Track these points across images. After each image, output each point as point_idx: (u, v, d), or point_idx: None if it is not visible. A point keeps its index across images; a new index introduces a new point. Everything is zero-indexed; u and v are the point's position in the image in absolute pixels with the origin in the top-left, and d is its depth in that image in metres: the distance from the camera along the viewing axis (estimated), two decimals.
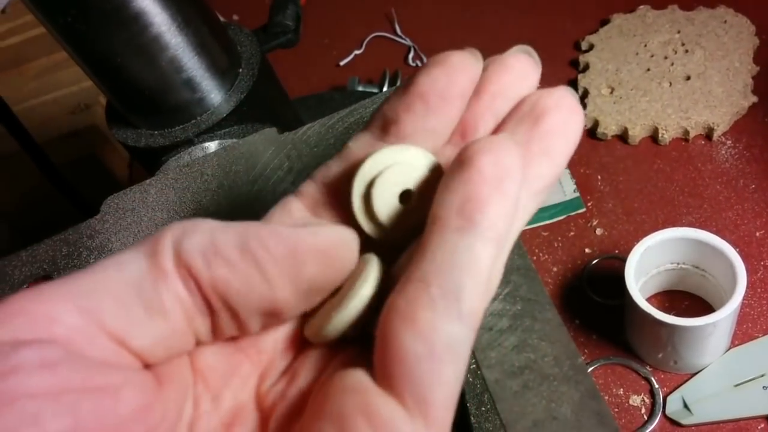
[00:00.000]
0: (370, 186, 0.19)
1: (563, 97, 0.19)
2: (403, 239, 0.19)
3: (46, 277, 0.34)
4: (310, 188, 0.21)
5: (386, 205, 0.19)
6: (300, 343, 0.20)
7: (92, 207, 0.59)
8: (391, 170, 0.19)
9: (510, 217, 0.17)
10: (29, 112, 0.71)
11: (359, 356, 0.18)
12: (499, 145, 0.17)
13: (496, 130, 0.20)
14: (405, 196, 0.19)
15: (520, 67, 0.20)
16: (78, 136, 0.69)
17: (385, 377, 0.16)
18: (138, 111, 0.37)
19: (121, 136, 0.38)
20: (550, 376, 0.25)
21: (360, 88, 0.65)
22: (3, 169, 0.69)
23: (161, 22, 0.34)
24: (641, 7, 0.68)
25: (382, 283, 0.19)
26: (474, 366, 0.27)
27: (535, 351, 0.26)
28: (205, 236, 0.17)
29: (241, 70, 0.39)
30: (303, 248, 0.17)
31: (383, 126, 0.20)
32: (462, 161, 0.17)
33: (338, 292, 0.19)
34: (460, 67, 0.19)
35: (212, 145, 0.37)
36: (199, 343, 0.18)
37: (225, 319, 0.18)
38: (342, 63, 0.74)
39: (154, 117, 0.37)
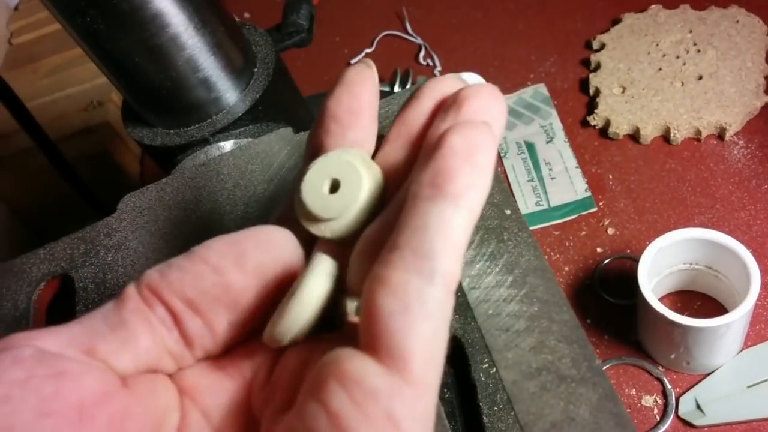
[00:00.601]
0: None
1: (482, 86, 0.20)
2: (345, 230, 0.20)
3: (64, 275, 0.34)
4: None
5: (315, 194, 0.20)
6: (278, 358, 0.21)
7: (104, 203, 0.59)
8: (316, 165, 0.20)
9: (484, 188, 0.17)
10: (42, 109, 0.71)
11: (340, 342, 0.19)
12: (469, 125, 0.17)
13: (426, 126, 0.21)
14: (334, 186, 0.20)
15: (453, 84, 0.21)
16: (90, 132, 0.69)
17: (366, 342, 0.16)
18: (154, 110, 0.38)
19: (137, 135, 0.38)
20: (568, 378, 0.25)
21: None
22: (16, 164, 0.69)
23: (178, 22, 0.34)
24: (653, 6, 0.67)
25: (337, 276, 0.19)
26: (487, 365, 0.28)
27: (553, 352, 0.26)
28: (161, 264, 0.20)
29: (256, 69, 0.39)
30: (241, 238, 0.19)
31: (314, 154, 0.21)
32: (435, 143, 0.18)
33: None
34: (358, 81, 0.21)
35: (228, 145, 0.37)
36: (180, 366, 0.20)
37: (191, 323, 0.19)
38: (353, 61, 0.74)
39: (170, 116, 0.37)
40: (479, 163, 0.17)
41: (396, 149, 0.21)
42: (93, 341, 0.18)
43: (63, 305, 0.34)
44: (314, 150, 0.22)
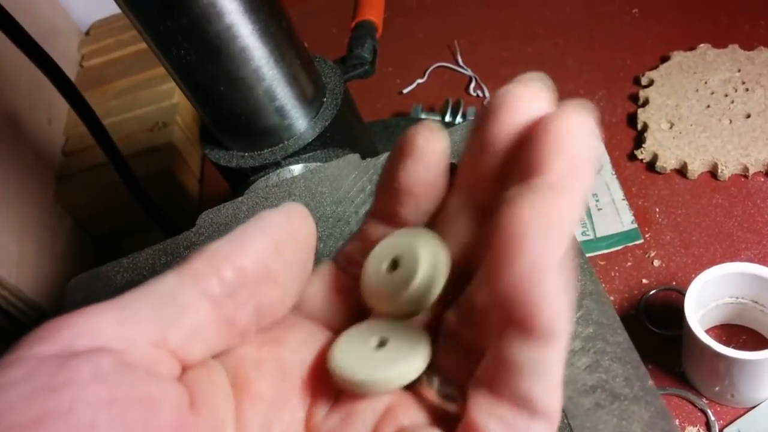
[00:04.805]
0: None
1: (572, 123, 0.16)
2: (405, 307, 0.20)
3: None
4: (328, 267, 0.22)
5: (374, 271, 0.20)
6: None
7: (166, 219, 0.62)
8: (382, 244, 0.20)
9: (570, 320, 0.16)
10: (111, 128, 0.75)
11: (422, 409, 0.19)
12: (554, 239, 0.15)
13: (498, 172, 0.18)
14: (394, 264, 0.20)
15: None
16: (154, 152, 0.73)
17: None
18: (232, 134, 0.41)
19: (213, 156, 0.41)
20: (621, 396, 0.26)
21: (423, 116, 0.67)
22: (84, 180, 0.74)
23: (261, 56, 0.37)
24: (701, 45, 0.69)
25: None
26: None
27: (607, 372, 0.27)
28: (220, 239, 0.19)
29: (325, 99, 0.41)
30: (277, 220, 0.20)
31: (386, 217, 0.21)
32: (509, 249, 0.15)
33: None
34: (428, 150, 0.19)
35: (298, 168, 0.40)
36: (242, 337, 0.19)
37: (269, 293, 0.19)
38: (405, 91, 0.77)
39: (246, 140, 0.40)
40: (565, 294, 0.15)
41: (463, 214, 0.19)
42: (162, 330, 0.17)
43: None
44: (387, 214, 0.21)
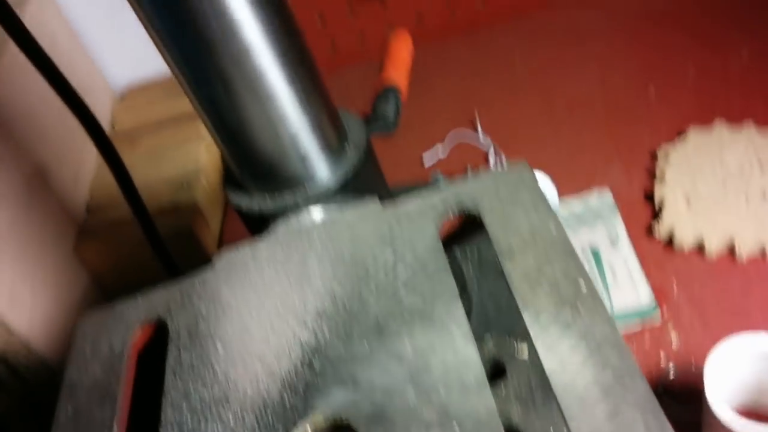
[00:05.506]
0: None
1: None
2: None
3: (159, 321, 0.37)
4: None
5: None
6: None
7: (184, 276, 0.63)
8: None
9: None
10: (136, 185, 0.77)
11: None
12: None
13: None
14: None
15: None
16: (178, 211, 0.74)
17: None
18: (254, 177, 0.42)
19: (234, 200, 0.42)
20: None
21: (443, 183, 0.68)
22: (105, 235, 0.75)
23: (289, 103, 0.38)
24: (717, 122, 0.70)
25: None
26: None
27: (627, 419, 0.26)
28: None
29: (348, 148, 0.43)
30: None
31: None
32: None
33: None
34: None
35: (317, 211, 0.40)
36: None
37: None
38: (425, 154, 0.79)
39: (268, 182, 0.41)
40: None
41: None
42: None
43: (155, 350, 0.37)
44: None
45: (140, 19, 0.36)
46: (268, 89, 0.37)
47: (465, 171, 0.70)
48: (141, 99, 0.93)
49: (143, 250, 0.72)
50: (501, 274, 0.33)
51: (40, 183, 0.71)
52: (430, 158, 0.78)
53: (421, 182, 0.71)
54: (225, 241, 0.79)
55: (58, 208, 0.74)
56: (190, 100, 0.39)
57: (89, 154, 0.83)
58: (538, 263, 0.32)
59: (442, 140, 0.79)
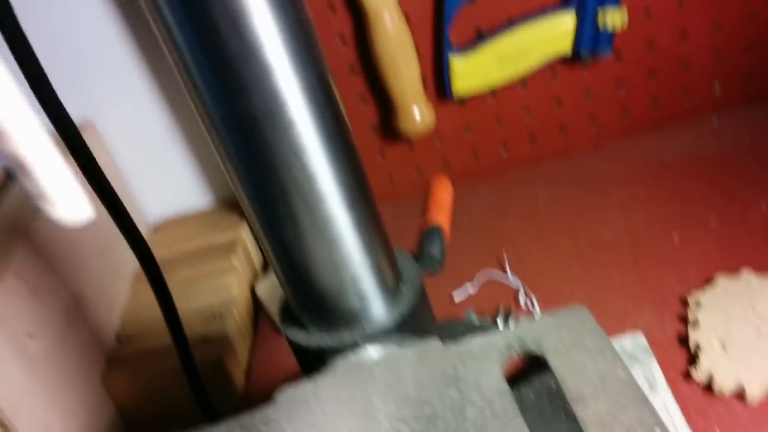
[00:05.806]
0: None
1: None
2: None
3: None
4: None
5: None
6: None
7: (214, 409, 0.62)
8: None
9: None
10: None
11: None
12: None
13: None
14: None
15: None
16: (207, 343, 0.74)
17: None
18: (313, 314, 0.43)
19: (292, 335, 0.43)
20: None
21: (476, 322, 0.69)
22: (134, 366, 0.74)
23: (352, 245, 0.40)
24: (744, 270, 0.71)
25: None
26: None
27: None
28: None
29: (404, 287, 0.44)
30: None
31: None
32: None
33: None
34: None
35: (376, 350, 0.41)
36: None
37: None
38: (454, 292, 0.80)
39: (325, 319, 0.42)
40: None
41: None
42: None
43: None
44: None
45: (234, 186, 0.38)
46: (336, 233, 0.39)
47: (497, 311, 0.71)
48: (175, 231, 0.96)
49: (171, 382, 0.72)
50: (570, 418, 0.33)
51: (77, 312, 0.72)
52: (459, 296, 0.79)
53: (455, 319, 0.72)
54: (253, 374, 0.78)
55: (91, 338, 0.74)
56: (259, 242, 0.41)
57: (124, 284, 0.84)
58: (611, 409, 0.32)
59: (470, 279, 0.80)
